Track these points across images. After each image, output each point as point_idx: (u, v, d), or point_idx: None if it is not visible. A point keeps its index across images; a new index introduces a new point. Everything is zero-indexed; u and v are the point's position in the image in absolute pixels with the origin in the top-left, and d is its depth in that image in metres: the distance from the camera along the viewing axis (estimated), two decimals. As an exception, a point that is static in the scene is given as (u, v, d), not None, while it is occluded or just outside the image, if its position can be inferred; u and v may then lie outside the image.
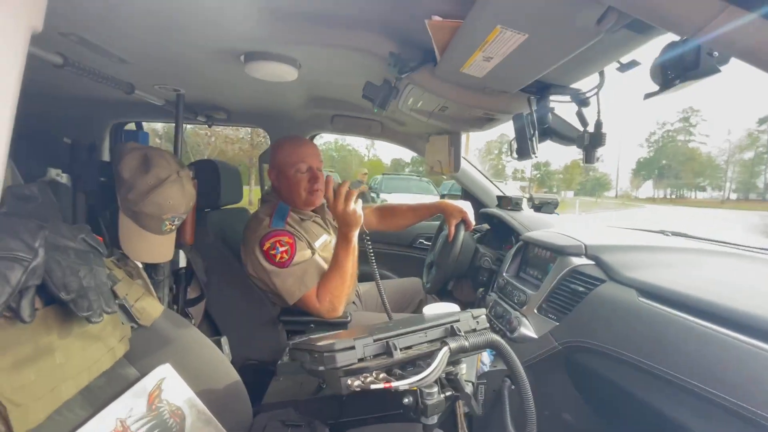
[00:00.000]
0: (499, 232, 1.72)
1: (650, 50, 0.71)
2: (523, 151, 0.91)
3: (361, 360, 0.65)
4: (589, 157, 0.91)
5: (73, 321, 0.60)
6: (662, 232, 1.31)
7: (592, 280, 0.96)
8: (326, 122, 1.83)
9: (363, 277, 1.68)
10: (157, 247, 0.98)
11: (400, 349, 0.68)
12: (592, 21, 0.50)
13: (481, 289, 1.45)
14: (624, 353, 0.77)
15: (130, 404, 0.69)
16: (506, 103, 0.95)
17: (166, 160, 0.98)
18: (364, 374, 0.64)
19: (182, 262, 1.16)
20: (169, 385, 0.78)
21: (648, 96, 0.60)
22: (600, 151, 0.91)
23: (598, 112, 0.88)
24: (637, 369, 0.74)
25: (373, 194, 10.03)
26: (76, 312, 0.55)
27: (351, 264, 1.30)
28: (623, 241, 1.12)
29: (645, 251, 1.03)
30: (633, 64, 0.71)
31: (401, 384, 0.60)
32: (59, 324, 0.58)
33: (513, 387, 1.02)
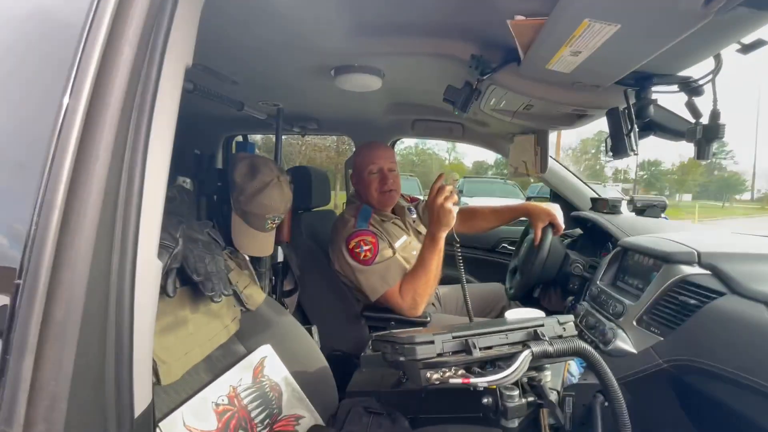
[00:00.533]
0: (592, 238, 1.58)
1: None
2: (620, 149, 0.84)
3: (439, 355, 0.67)
4: (702, 153, 0.80)
5: (200, 300, 0.73)
6: (809, 240, 1.08)
7: (708, 292, 0.84)
8: (407, 127, 1.89)
9: (444, 279, 1.68)
10: (261, 242, 1.13)
11: (480, 349, 0.68)
12: (698, 3, 0.45)
13: (570, 298, 1.35)
14: (753, 379, 0.67)
15: (240, 375, 0.81)
16: (599, 98, 0.88)
17: (269, 167, 1.12)
18: (443, 369, 0.66)
19: (280, 257, 1.31)
20: (269, 362, 0.89)
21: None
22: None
23: (714, 101, 0.77)
24: (766, 396, 0.63)
25: (455, 198, 9.84)
26: (204, 291, 0.68)
27: (436, 264, 1.31)
28: (750, 249, 0.95)
29: (779, 261, 0.87)
30: (759, 43, 0.62)
31: (480, 381, 0.61)
32: (191, 301, 0.71)
33: (606, 404, 0.94)
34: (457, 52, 0.92)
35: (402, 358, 0.68)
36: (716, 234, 1.24)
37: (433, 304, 1.70)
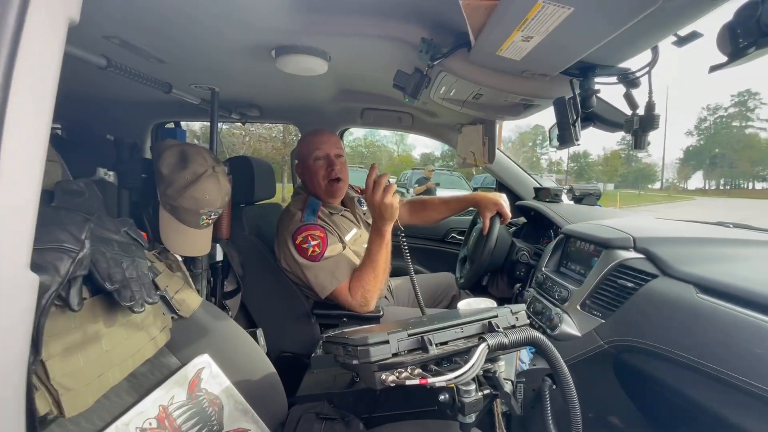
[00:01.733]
0: (536, 226, 1.64)
1: (713, 20, 0.64)
2: (566, 138, 0.85)
3: (395, 355, 0.64)
4: (639, 143, 0.84)
5: (118, 310, 0.63)
6: (721, 223, 1.20)
7: (643, 275, 0.89)
8: (356, 116, 1.82)
9: (395, 271, 1.66)
10: (195, 240, 1.01)
11: (436, 345, 0.66)
12: (650, -14, 0.45)
13: (518, 285, 1.39)
14: (682, 354, 0.71)
15: (172, 392, 0.71)
16: (546, 88, 0.89)
17: (203, 156, 1.00)
18: (399, 369, 0.63)
19: (219, 256, 1.19)
20: (208, 374, 0.80)
21: (714, 69, 0.53)
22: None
23: (650, 93, 0.81)
24: (698, 372, 0.68)
25: (402, 189, 9.98)
26: (120, 301, 0.57)
27: (384, 258, 1.28)
28: (677, 234, 1.03)
29: (702, 244, 0.95)
30: (693, 36, 0.64)
31: (437, 381, 0.58)
32: (105, 313, 0.60)
33: (554, 387, 0.97)
34: (407, 35, 0.88)
35: (355, 362, 0.63)
36: (644, 219, 1.34)
37: (385, 296, 1.67)
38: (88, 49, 0.96)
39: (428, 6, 0.81)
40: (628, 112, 0.89)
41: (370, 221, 1.58)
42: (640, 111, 0.85)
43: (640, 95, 0.86)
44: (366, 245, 1.39)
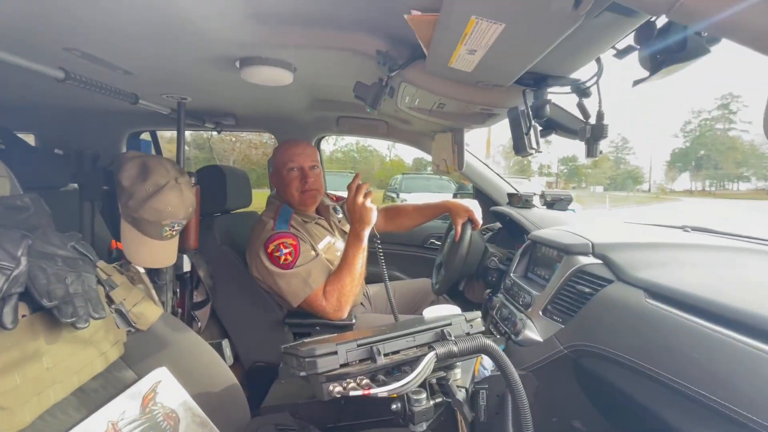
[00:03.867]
0: (510, 231, 1.66)
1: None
2: (519, 147, 0.87)
3: (344, 365, 0.64)
4: (590, 151, 0.86)
5: (62, 326, 0.62)
6: (683, 228, 1.23)
7: (599, 280, 0.91)
8: (332, 124, 1.83)
9: (373, 278, 1.67)
10: (159, 252, 1.01)
11: (385, 355, 0.66)
12: (569, 5, 0.46)
13: (488, 291, 1.40)
14: (628, 358, 0.72)
15: (123, 407, 0.70)
16: (501, 97, 0.91)
17: (165, 167, 1.00)
18: (347, 380, 0.63)
19: (186, 267, 1.19)
20: (164, 387, 0.79)
21: (637, 83, 0.55)
22: (603, 144, 0.86)
23: (599, 103, 0.83)
24: (642, 375, 0.69)
25: (392, 194, 10.01)
26: (60, 318, 0.57)
27: (360, 263, 1.30)
28: (635, 239, 1.05)
29: (657, 249, 0.97)
30: (629, 49, 0.66)
31: (381, 390, 0.59)
32: (46, 329, 0.60)
33: (515, 393, 0.98)
34: (364, 47, 0.89)
35: (303, 373, 0.64)
36: (610, 224, 1.36)
37: (362, 303, 1.67)
38: (47, 61, 0.95)
39: (383, 20, 0.82)
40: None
41: (346, 229, 1.60)
42: (593, 120, 0.87)
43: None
44: (339, 253, 1.40)
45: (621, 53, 0.68)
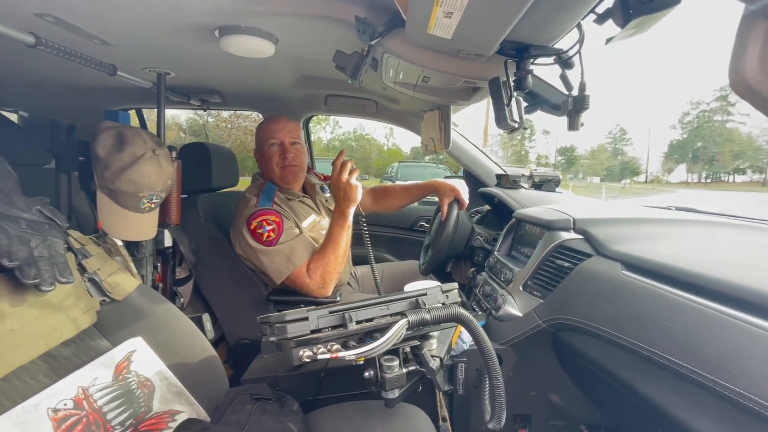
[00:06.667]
0: (499, 212, 1.66)
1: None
2: (500, 119, 0.85)
3: (314, 331, 0.64)
4: (572, 124, 0.85)
5: (27, 290, 0.61)
6: (668, 207, 1.23)
7: (579, 254, 0.91)
8: (320, 103, 1.81)
9: (361, 259, 1.66)
10: (137, 225, 0.99)
11: (357, 322, 0.66)
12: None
13: (472, 269, 1.41)
14: (603, 329, 0.73)
15: (95, 374, 0.70)
16: (483, 69, 0.89)
17: (142, 138, 0.98)
18: (318, 345, 0.63)
19: (168, 242, 1.18)
20: (139, 357, 0.79)
21: (609, 41, 0.54)
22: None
23: (582, 73, 0.82)
24: (615, 345, 0.70)
25: (388, 182, 9.97)
26: (22, 279, 0.56)
27: (345, 241, 1.29)
28: (616, 215, 1.05)
29: (637, 224, 0.97)
30: (609, 13, 0.65)
31: (348, 354, 0.58)
32: (10, 292, 0.59)
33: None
34: (342, 13, 0.87)
35: (273, 338, 0.63)
36: (594, 203, 1.36)
37: (349, 284, 1.67)
38: (18, 26, 0.92)
39: (360, -17, 0.80)
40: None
41: (332, 208, 1.58)
42: (575, 92, 0.86)
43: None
44: (323, 232, 1.39)
45: (601, 18, 0.66)
